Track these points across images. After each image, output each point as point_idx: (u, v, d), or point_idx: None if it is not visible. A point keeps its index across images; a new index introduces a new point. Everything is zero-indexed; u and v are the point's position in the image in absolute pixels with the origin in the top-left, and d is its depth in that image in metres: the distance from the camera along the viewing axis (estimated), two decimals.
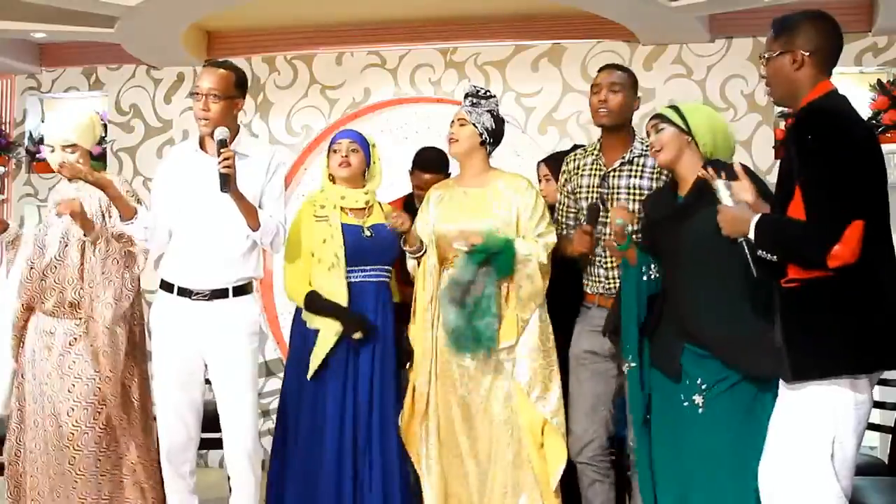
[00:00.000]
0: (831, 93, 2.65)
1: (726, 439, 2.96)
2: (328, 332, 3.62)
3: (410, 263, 3.75)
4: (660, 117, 3.21)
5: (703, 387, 3.01)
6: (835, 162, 2.49)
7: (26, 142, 6.10)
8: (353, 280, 3.69)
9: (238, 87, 3.57)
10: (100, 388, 3.60)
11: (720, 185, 2.75)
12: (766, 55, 2.72)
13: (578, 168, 3.69)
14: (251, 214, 3.45)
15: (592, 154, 3.68)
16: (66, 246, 3.63)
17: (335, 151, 3.76)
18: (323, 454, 3.62)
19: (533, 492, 3.52)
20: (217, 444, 3.84)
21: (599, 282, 3.59)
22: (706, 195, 2.91)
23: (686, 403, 3.04)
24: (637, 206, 3.50)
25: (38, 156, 5.95)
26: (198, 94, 3.49)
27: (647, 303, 3.21)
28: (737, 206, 2.70)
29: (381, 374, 3.70)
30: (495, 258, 3.47)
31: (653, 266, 3.22)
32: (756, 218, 2.58)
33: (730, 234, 2.68)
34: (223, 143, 3.37)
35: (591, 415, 3.57)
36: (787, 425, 2.62)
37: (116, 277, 3.66)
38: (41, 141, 5.77)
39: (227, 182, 3.33)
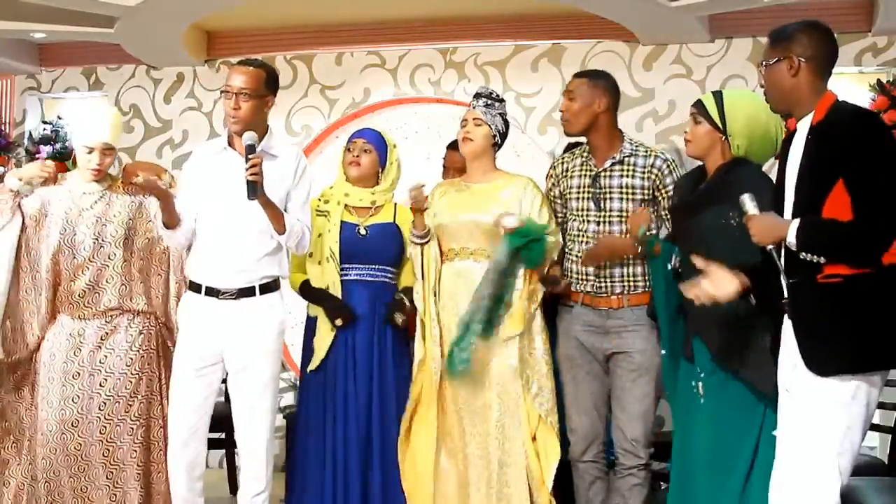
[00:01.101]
0: (841, 100, 2.72)
1: (716, 433, 3.01)
2: (324, 324, 3.69)
3: (414, 249, 3.73)
4: (699, 107, 3.20)
5: (702, 375, 3.07)
6: (887, 159, 2.56)
7: (26, 142, 6.09)
8: (346, 278, 3.73)
9: (268, 85, 3.52)
10: (131, 382, 3.63)
11: (746, 198, 2.76)
12: (764, 63, 2.77)
13: (567, 171, 3.72)
14: (277, 219, 3.44)
15: (581, 156, 3.71)
16: (102, 247, 3.63)
17: (349, 150, 3.80)
18: (326, 452, 3.65)
19: (523, 492, 3.53)
20: (217, 444, 3.84)
21: (588, 280, 3.59)
22: (720, 190, 2.93)
23: (694, 390, 3.11)
24: (631, 204, 3.55)
25: (37, 156, 5.94)
26: (228, 92, 3.47)
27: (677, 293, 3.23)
28: (767, 214, 2.72)
29: (379, 371, 3.72)
30: (533, 244, 3.49)
31: (675, 256, 3.23)
32: (796, 223, 2.61)
33: (762, 242, 2.69)
34: (251, 149, 3.34)
35: (592, 413, 3.60)
36: (801, 415, 2.65)
37: (166, 270, 3.75)
38: (41, 141, 5.78)
39: (255, 190, 3.32)
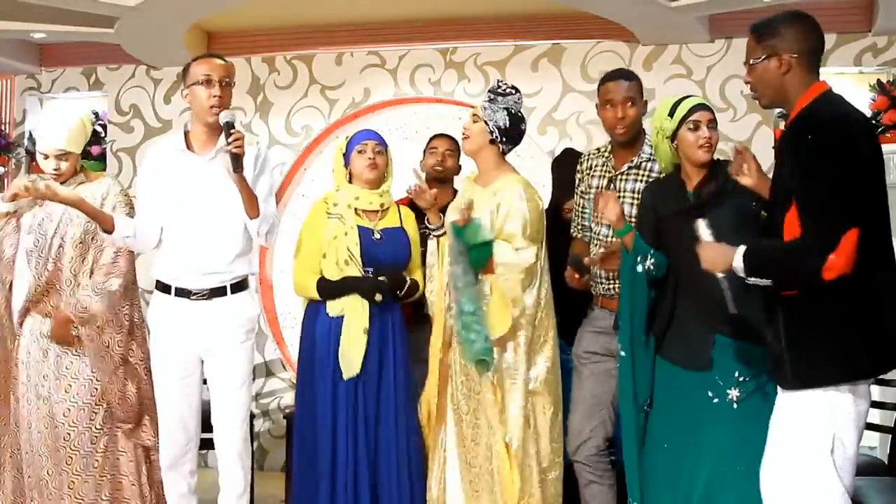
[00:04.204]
0: (824, 94, 2.62)
1: (765, 431, 2.94)
2: (355, 327, 3.60)
3: (431, 245, 3.69)
4: (714, 115, 3.23)
5: (742, 379, 2.99)
6: (826, 170, 2.45)
7: (26, 142, 6.09)
8: None
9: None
10: (97, 389, 3.62)
11: (701, 224, 2.77)
12: (750, 61, 2.69)
13: (591, 168, 3.70)
14: (251, 201, 3.45)
15: (604, 155, 3.69)
16: (61, 247, 3.64)
17: (361, 152, 3.72)
18: (334, 458, 3.61)
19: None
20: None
21: (601, 283, 3.60)
22: (722, 191, 2.92)
23: (716, 400, 3.02)
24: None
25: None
26: (211, 80, 3.47)
27: (646, 293, 3.19)
28: (716, 243, 2.70)
29: (394, 374, 3.68)
30: (471, 249, 3.43)
31: (649, 257, 3.19)
32: (741, 250, 2.57)
33: (712, 270, 2.67)
34: (231, 125, 3.38)
35: (590, 414, 3.58)
36: (787, 426, 2.62)
37: (113, 277, 3.68)
38: None
39: (239, 162, 3.36)
